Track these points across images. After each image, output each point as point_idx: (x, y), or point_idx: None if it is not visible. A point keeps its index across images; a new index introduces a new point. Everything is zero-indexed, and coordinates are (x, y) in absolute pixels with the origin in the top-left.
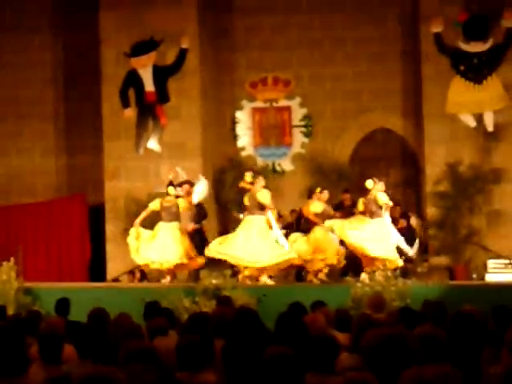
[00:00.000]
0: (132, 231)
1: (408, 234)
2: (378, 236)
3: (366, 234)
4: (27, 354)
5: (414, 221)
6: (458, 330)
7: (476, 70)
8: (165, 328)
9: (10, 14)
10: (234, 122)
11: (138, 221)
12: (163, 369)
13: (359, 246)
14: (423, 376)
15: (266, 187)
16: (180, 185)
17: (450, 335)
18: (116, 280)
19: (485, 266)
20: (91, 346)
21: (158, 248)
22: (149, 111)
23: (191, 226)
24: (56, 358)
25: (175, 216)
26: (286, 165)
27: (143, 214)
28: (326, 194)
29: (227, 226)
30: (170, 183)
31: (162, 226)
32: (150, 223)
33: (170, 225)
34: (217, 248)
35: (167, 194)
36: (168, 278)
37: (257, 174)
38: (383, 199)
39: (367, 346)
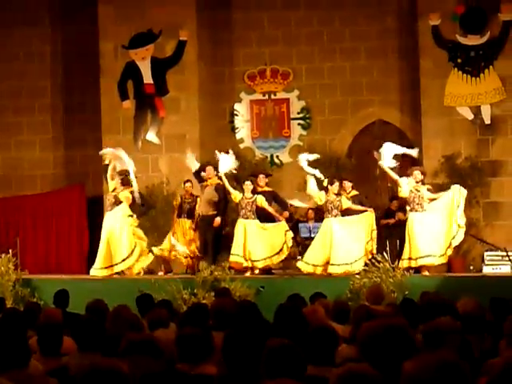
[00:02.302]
0: None
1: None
2: None
3: None
4: (28, 346)
5: None
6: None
7: (473, 63)
8: (166, 320)
9: (10, 7)
10: (232, 115)
11: None
12: (164, 360)
13: None
14: (429, 365)
15: None
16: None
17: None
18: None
19: (482, 258)
20: (90, 337)
21: None
22: (147, 103)
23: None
24: (55, 350)
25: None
26: (284, 157)
27: None
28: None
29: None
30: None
31: None
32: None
33: None
34: None
35: None
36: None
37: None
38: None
39: (364, 338)
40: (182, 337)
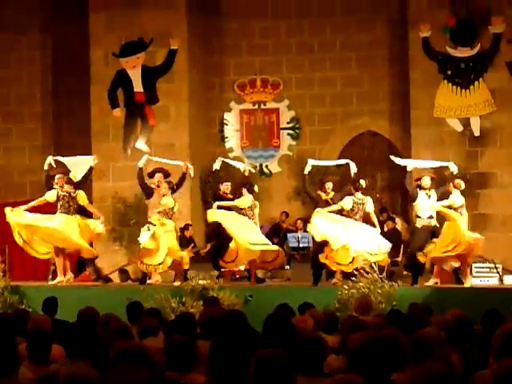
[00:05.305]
0: None
1: (394, 238)
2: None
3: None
4: (17, 353)
5: (399, 224)
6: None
7: (463, 74)
8: (156, 328)
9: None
10: (222, 124)
11: None
12: (154, 369)
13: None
14: (419, 377)
15: None
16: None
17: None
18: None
19: (470, 270)
20: (79, 345)
21: None
22: (137, 112)
23: None
24: (44, 357)
25: None
26: (274, 167)
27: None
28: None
29: None
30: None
31: None
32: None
33: None
34: None
35: None
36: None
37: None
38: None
39: (352, 349)
40: (170, 345)
